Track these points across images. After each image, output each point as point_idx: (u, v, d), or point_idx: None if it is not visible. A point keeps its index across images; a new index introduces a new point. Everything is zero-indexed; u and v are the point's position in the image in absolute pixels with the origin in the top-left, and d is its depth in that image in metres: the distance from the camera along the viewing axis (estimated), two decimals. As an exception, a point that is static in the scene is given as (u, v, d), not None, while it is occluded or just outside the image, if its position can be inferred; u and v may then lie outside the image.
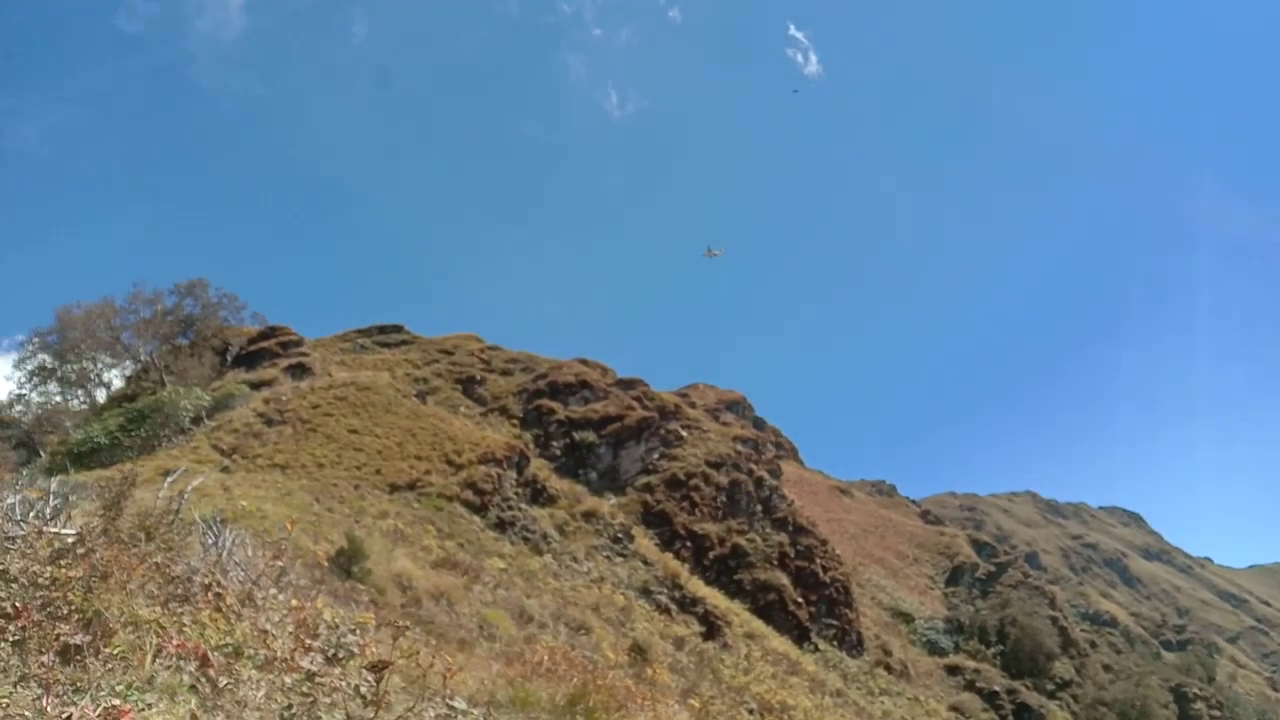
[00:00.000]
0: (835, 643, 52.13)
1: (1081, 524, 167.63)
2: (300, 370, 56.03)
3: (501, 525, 41.78)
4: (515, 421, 56.92)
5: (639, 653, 30.88)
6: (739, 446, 60.11)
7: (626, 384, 61.25)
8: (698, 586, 45.43)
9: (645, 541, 48.15)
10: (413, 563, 32.32)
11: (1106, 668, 79.63)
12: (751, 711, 31.49)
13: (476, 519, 41.30)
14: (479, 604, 31.81)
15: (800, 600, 51.32)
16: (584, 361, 64.33)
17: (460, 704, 6.76)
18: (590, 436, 55.14)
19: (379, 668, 4.58)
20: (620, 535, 46.02)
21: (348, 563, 26.08)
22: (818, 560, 55.59)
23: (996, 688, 61.87)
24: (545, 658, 10.71)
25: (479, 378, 62.38)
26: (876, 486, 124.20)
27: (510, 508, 43.16)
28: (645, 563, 45.14)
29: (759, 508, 56.05)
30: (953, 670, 63.31)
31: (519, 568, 38.17)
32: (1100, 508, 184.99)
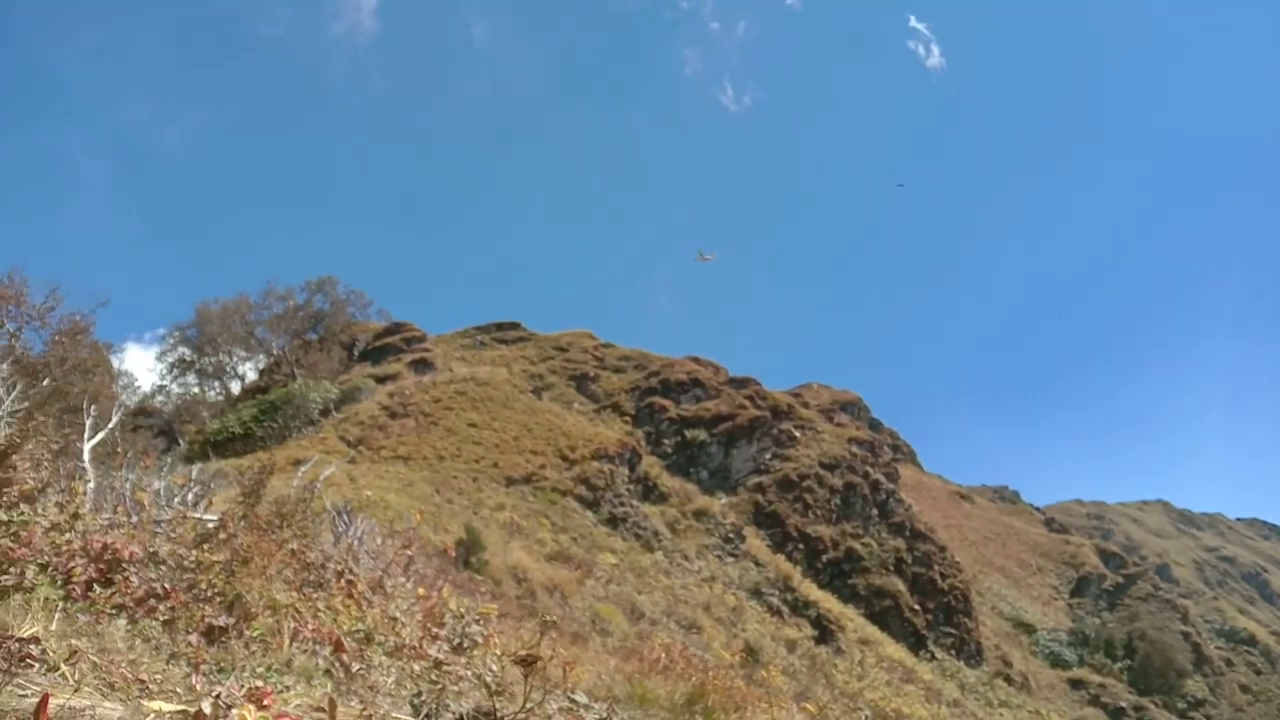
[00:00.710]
0: (953, 651, 50.69)
1: (1218, 536, 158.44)
2: (423, 365, 57.66)
3: (613, 521, 42.13)
4: (627, 418, 57.27)
5: (751, 654, 30.73)
6: (854, 448, 59.08)
7: (739, 383, 60.92)
8: (810, 590, 44.89)
9: (757, 542, 47.83)
10: (528, 555, 32.87)
11: (1244, 688, 75.16)
12: (866, 719, 30.94)
13: (589, 514, 41.76)
14: (592, 598, 32.14)
15: (917, 607, 50.13)
16: (696, 360, 64.28)
17: (581, 698, 6.82)
18: (702, 435, 55.06)
19: (529, 662, 4.63)
20: (731, 535, 45.82)
21: (466, 553, 26.73)
22: (936, 567, 54.21)
23: (1123, 704, 59.13)
24: (662, 655, 10.72)
25: (592, 374, 63.02)
26: (998, 493, 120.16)
27: (622, 504, 43.46)
28: (757, 564, 44.84)
29: (875, 511, 54.97)
30: (1076, 684, 60.75)
31: (630, 564, 38.43)
32: (1238, 519, 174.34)
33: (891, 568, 51.52)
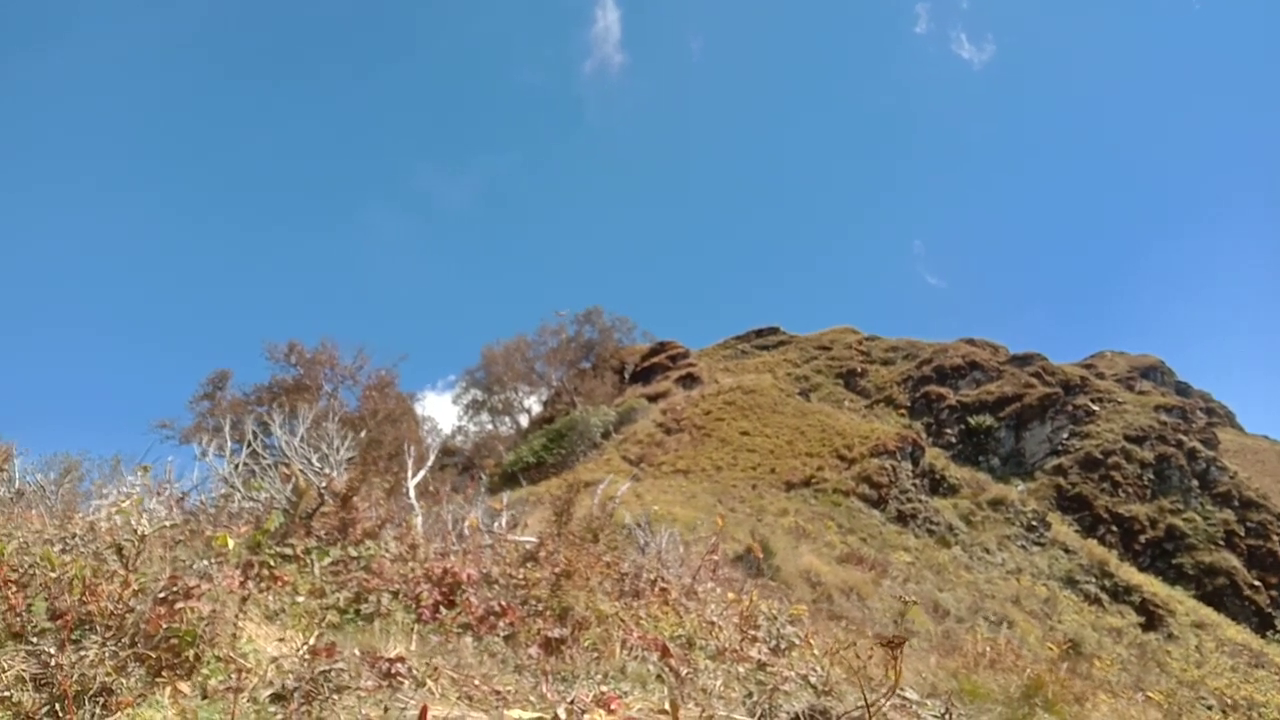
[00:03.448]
0: (1308, 630, 44.97)
1: None
2: (690, 380, 58.74)
3: (902, 518, 40.86)
4: (903, 411, 55.44)
5: (1072, 646, 28.76)
6: (1162, 416, 53.93)
7: (1021, 360, 57.35)
8: (1130, 574, 41.37)
9: (1063, 528, 44.75)
10: (818, 558, 32.53)
11: None
12: (1210, 708, 28.10)
13: (876, 513, 40.74)
14: (890, 598, 31.37)
15: (1257, 583, 44.85)
16: (971, 341, 61.18)
17: (912, 694, 6.60)
18: (987, 420, 52.27)
19: (895, 643, 4.53)
20: (1034, 523, 43.16)
21: (756, 560, 26.80)
22: (1275, 538, 48.36)
23: None
24: (988, 649, 10.22)
25: (860, 370, 61.63)
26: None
27: (909, 500, 42.08)
28: (1066, 551, 41.94)
29: (1194, 482, 49.82)
30: None
31: (926, 560, 37.14)
32: None
33: (1222, 542, 46.42)
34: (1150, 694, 9.77)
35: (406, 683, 4.93)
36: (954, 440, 52.00)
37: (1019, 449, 51.46)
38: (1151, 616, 37.41)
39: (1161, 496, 48.22)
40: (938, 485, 45.37)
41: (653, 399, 55.88)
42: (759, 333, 72.89)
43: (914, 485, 43.41)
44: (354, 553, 7.69)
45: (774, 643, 7.64)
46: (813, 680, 7.05)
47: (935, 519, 41.49)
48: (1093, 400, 53.82)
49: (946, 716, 6.76)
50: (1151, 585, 41.04)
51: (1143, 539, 45.99)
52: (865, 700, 6.39)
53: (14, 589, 4.40)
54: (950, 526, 41.58)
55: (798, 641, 7.72)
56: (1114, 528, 46.16)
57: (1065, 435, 51.31)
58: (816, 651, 7.87)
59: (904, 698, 6.43)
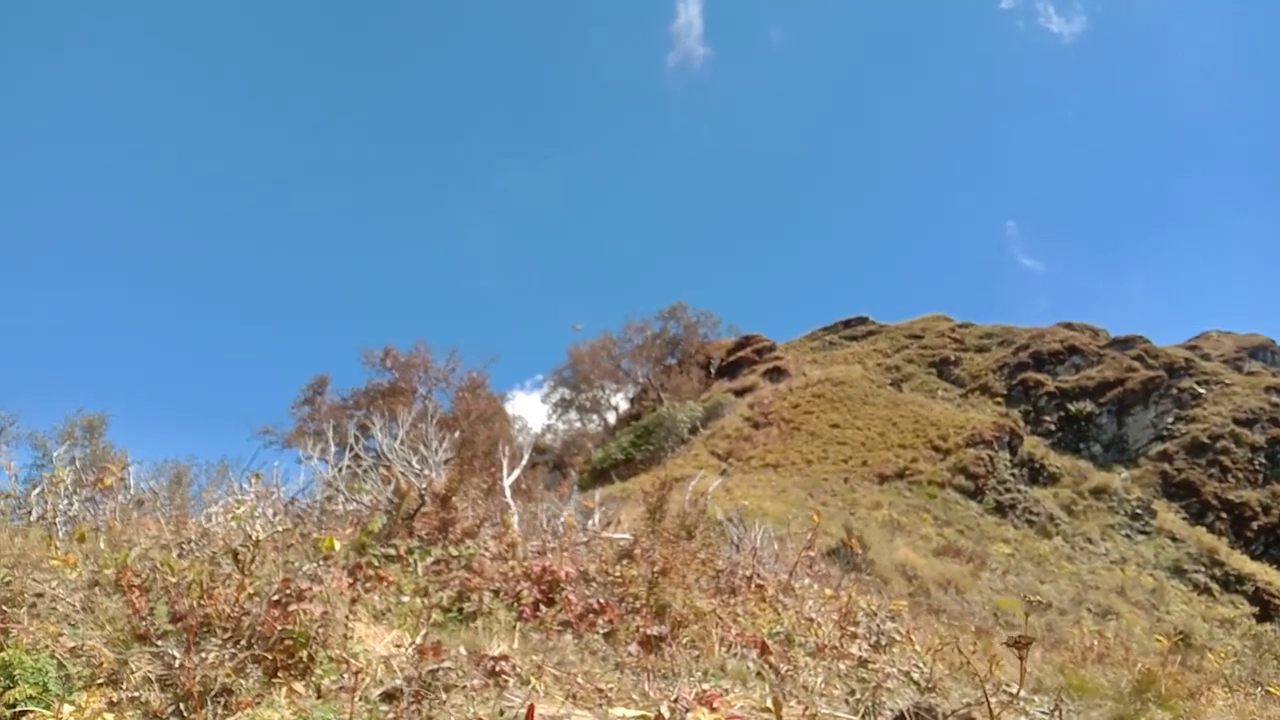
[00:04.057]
0: None
1: None
2: (777, 374, 58.33)
3: (1001, 509, 39.92)
4: (999, 399, 54.03)
5: (1182, 638, 27.72)
6: (1274, 398, 51.45)
7: (1122, 343, 55.34)
8: (1242, 562, 39.62)
9: (1169, 515, 43.10)
10: (913, 551, 32.01)
11: None
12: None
13: (973, 504, 39.90)
14: (989, 591, 30.66)
15: (1381, 572, 42.58)
16: (1068, 325, 59.24)
17: (1018, 690, 6.42)
18: (1087, 406, 50.58)
19: (1023, 644, 4.43)
20: (1139, 511, 41.67)
21: (850, 554, 26.47)
22: (1400, 524, 45.79)
23: None
24: (1094, 643, 9.90)
25: (953, 358, 60.29)
26: None
27: (1008, 490, 41.07)
28: (1173, 539, 40.39)
29: (1310, 467, 47.51)
30: None
31: (1026, 552, 36.25)
32: None
33: (1342, 529, 44.20)
34: (1270, 688, 9.30)
35: (511, 681, 4.99)
36: (1053, 428, 50.49)
37: (1121, 435, 49.69)
38: (1266, 607, 35.79)
39: (1275, 481, 46.02)
40: (1037, 474, 44.17)
41: (739, 393, 55.63)
42: (847, 323, 71.90)
43: (1012, 475, 42.36)
44: (455, 552, 7.83)
45: (874, 639, 7.53)
46: (916, 677, 6.93)
47: (1035, 509, 40.43)
48: (1199, 383, 51.69)
49: (1056, 713, 6.57)
50: (1266, 574, 39.21)
51: (1255, 526, 43.99)
52: (972, 698, 6.25)
53: (138, 593, 4.58)
54: (1051, 516, 40.47)
55: (898, 637, 7.59)
56: (1224, 515, 44.26)
57: (1170, 420, 49.37)
58: (918, 648, 7.74)
59: (1010, 694, 6.26)
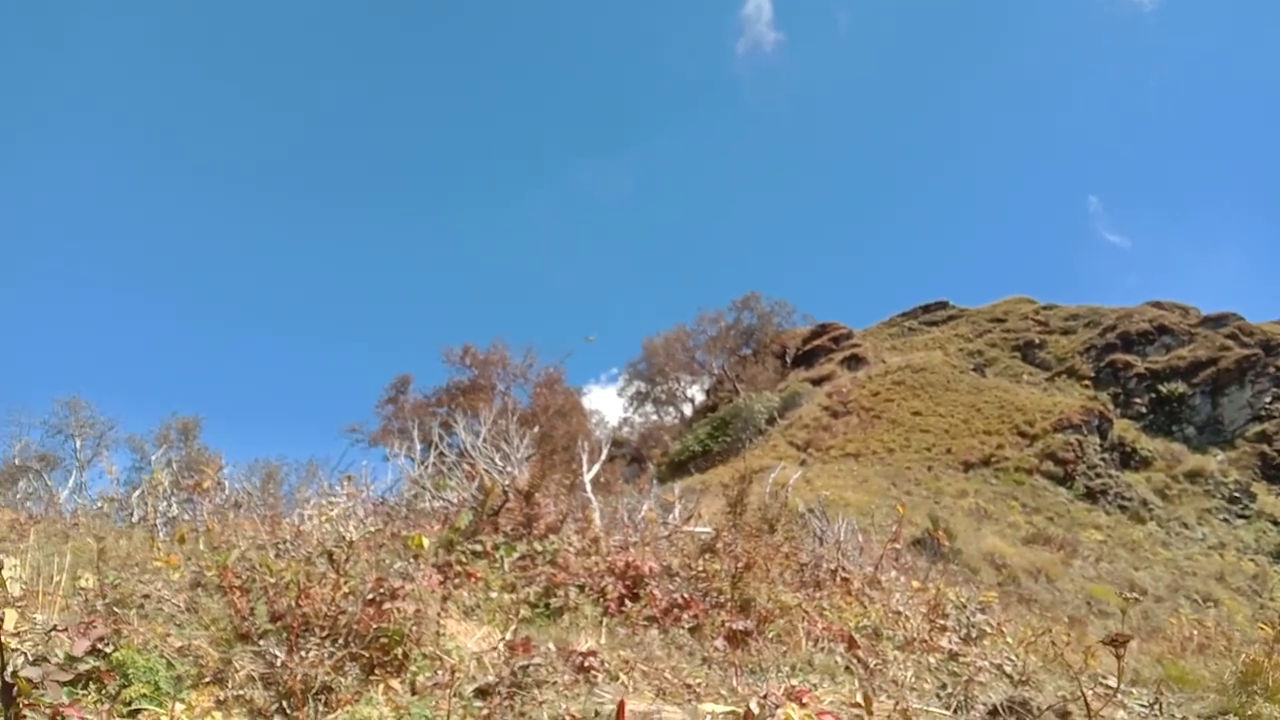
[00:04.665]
0: None
1: None
2: (854, 361, 57.64)
3: (1091, 494, 38.92)
4: (1086, 382, 52.54)
5: (1289, 627, 26.66)
6: (1380, 374, 49.13)
7: (1215, 321, 53.26)
8: (1351, 546, 38.01)
9: (1270, 499, 41.44)
10: (1001, 540, 31.43)
11: None
12: None
13: (1062, 490, 38.99)
14: (1081, 579, 29.96)
15: None
16: (1158, 304, 57.26)
17: (1114, 683, 6.24)
18: (1180, 387, 48.83)
19: (1120, 642, 4.33)
20: (1237, 494, 40.20)
21: (936, 544, 26.07)
22: None
23: None
24: (1194, 632, 9.57)
25: (1037, 341, 58.77)
26: None
27: (1098, 475, 39.99)
28: (1275, 523, 38.86)
29: None
30: None
31: (1119, 538, 35.33)
32: None
33: None
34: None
35: (600, 676, 5.04)
36: (1144, 410, 48.88)
37: (1216, 416, 47.83)
38: (1382, 593, 34.22)
39: (1384, 461, 43.94)
40: (1128, 458, 42.91)
41: (817, 382, 55.14)
42: (926, 308, 70.61)
43: (1102, 460, 41.22)
44: (539, 548, 7.91)
45: (964, 631, 7.40)
46: (1008, 670, 6.79)
47: (1127, 494, 39.32)
48: (1299, 360, 49.51)
49: (1156, 707, 6.38)
50: (1378, 559, 37.52)
51: (1363, 508, 42.04)
52: (1068, 691, 6.10)
53: (238, 594, 4.73)
54: (1144, 501, 39.31)
55: (989, 629, 7.45)
56: (1330, 497, 42.39)
57: (1268, 399, 47.33)
58: (1010, 640, 7.58)
59: (1108, 687, 6.09)
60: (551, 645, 5.32)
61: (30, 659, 3.64)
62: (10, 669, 2.75)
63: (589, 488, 10.89)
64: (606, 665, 5.23)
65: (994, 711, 5.50)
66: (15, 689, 2.56)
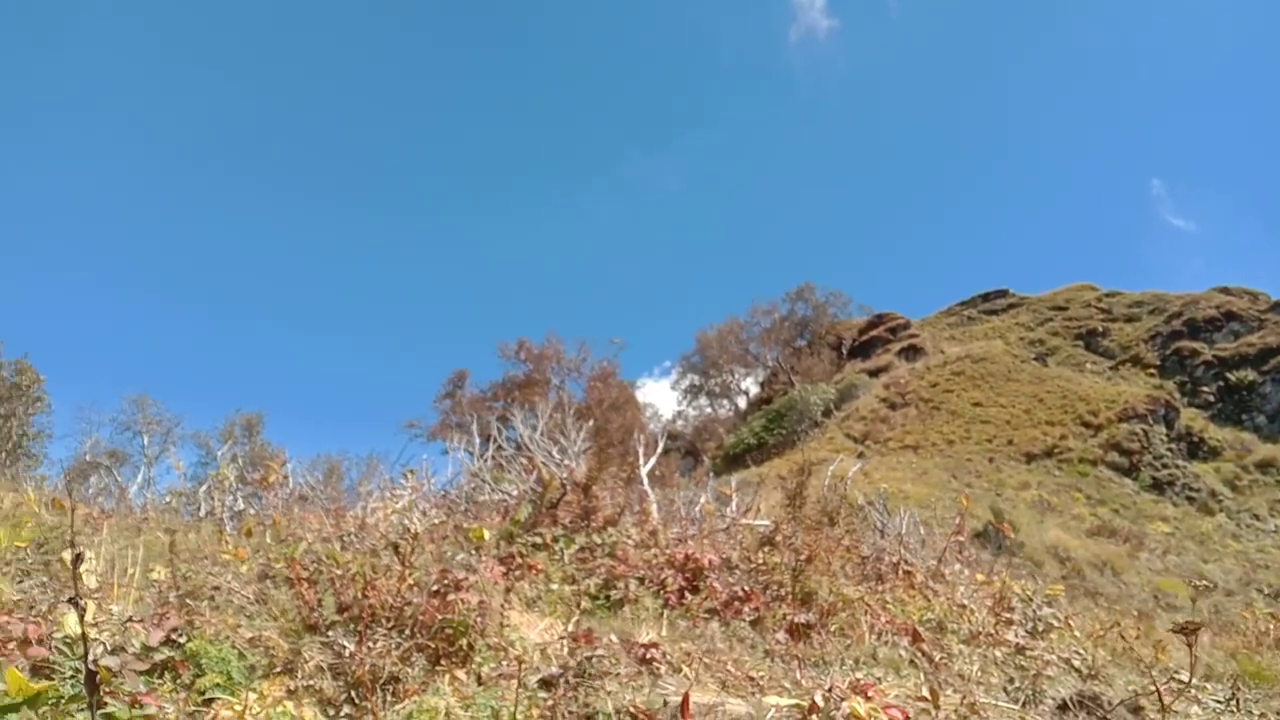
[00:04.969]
0: None
1: None
2: (912, 352, 56.97)
3: (1158, 486, 38.07)
4: (1151, 370, 51.30)
5: (1370, 622, 25.81)
6: None
7: (1286, 306, 51.76)
8: None
9: (1353, 489, 40.23)
10: (1065, 532, 30.92)
11: None
12: None
13: (1127, 481, 38.21)
14: (1148, 572, 29.38)
15: None
16: (1225, 290, 55.61)
17: (1189, 678, 6.08)
18: (1249, 375, 47.39)
19: (1191, 630, 4.23)
20: (1312, 485, 39.01)
21: (999, 536, 25.69)
22: None
23: None
24: (1270, 627, 9.30)
25: (1100, 329, 57.50)
26: None
27: (1164, 466, 39.10)
28: (1353, 514, 37.69)
29: None
30: None
31: (1187, 530, 34.55)
32: None
33: None
34: None
35: (663, 668, 5.03)
36: (1212, 399, 47.57)
37: (1289, 404, 46.44)
38: None
39: None
40: (1196, 448, 41.87)
41: (874, 373, 54.63)
42: (985, 296, 69.43)
43: (1169, 450, 40.27)
44: (598, 540, 7.93)
45: (1030, 625, 7.25)
46: (1077, 664, 6.66)
47: (1195, 485, 38.37)
48: (1377, 346, 47.82)
49: (1233, 702, 6.20)
50: None
51: None
52: (1139, 686, 5.96)
53: (306, 586, 4.81)
54: (1213, 492, 38.32)
55: (1056, 623, 7.29)
56: None
57: (1344, 387, 45.85)
58: (1077, 633, 7.43)
59: (1180, 681, 5.93)
60: (613, 637, 5.32)
61: (109, 648, 3.74)
62: (91, 658, 2.82)
63: (645, 481, 10.88)
64: (668, 657, 5.22)
65: (1063, 706, 5.39)
66: (97, 677, 2.62)
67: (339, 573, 5.00)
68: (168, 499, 13.81)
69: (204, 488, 13.41)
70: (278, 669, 4.10)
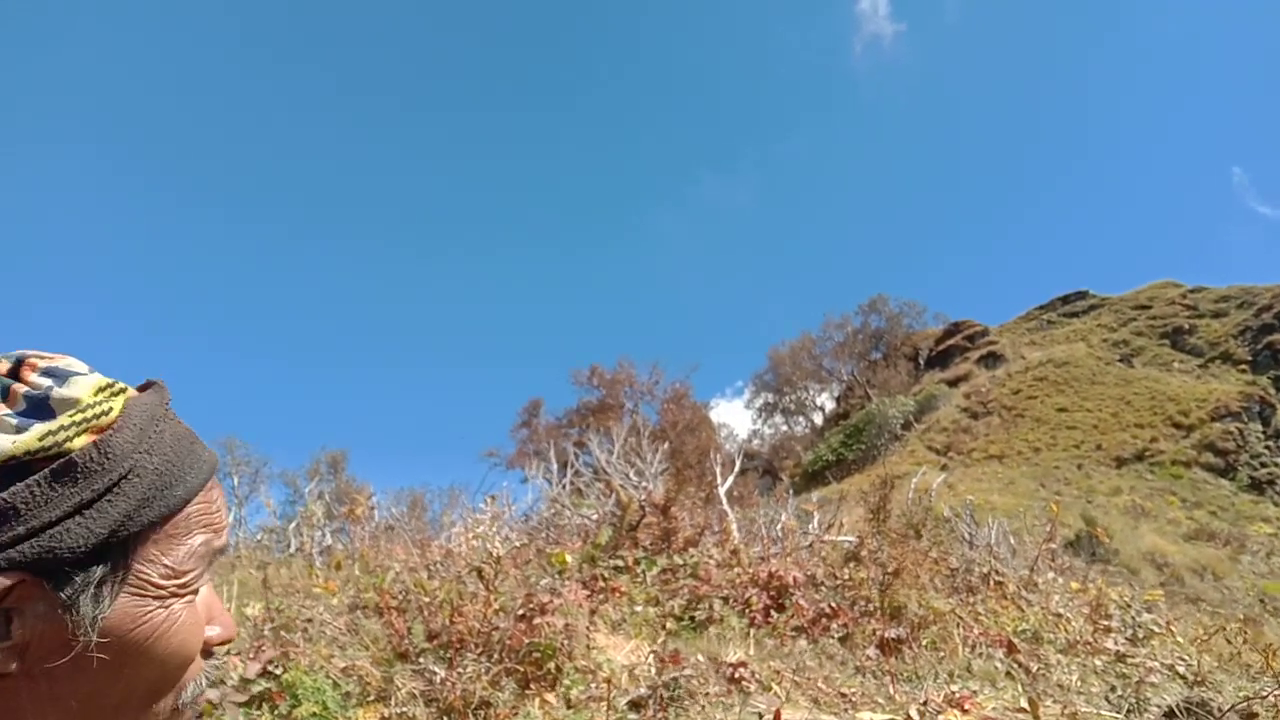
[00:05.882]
0: None
1: None
2: (992, 359, 55.81)
3: (1257, 485, 36.58)
4: (1243, 366, 49.34)
5: None
6: None
7: (1385, 293, 49.54)
8: None
9: None
10: (1161, 537, 29.92)
11: None
12: None
13: (1224, 482, 36.80)
14: (1251, 575, 28.25)
15: None
16: (1318, 279, 53.52)
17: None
18: (1350, 367, 45.53)
19: None
20: None
21: (1092, 544, 24.98)
22: None
23: None
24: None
25: (1186, 326, 55.58)
26: None
27: (1263, 464, 37.57)
28: None
29: None
30: None
31: (1296, 531, 33.09)
32: None
33: None
34: None
35: (752, 687, 4.98)
36: (1312, 393, 45.66)
37: (1395, 396, 44.32)
38: None
39: None
40: (1296, 446, 40.18)
41: (953, 383, 53.60)
42: (1065, 299, 67.65)
43: (1267, 448, 38.69)
44: (680, 561, 7.91)
45: (1130, 632, 7.01)
46: (1181, 671, 6.41)
47: (1297, 484, 36.79)
48: None
49: (1356, 709, 5.91)
50: None
51: None
52: (1250, 691, 5.71)
53: (395, 614, 4.88)
54: (1318, 491, 36.70)
55: (1157, 629, 7.03)
56: None
57: None
58: (1180, 639, 7.16)
59: (1303, 689, 5.67)
60: (700, 657, 5.30)
61: (209, 681, 3.85)
62: (192, 691, 2.90)
63: (724, 500, 10.83)
64: (757, 676, 5.18)
65: (1170, 713, 5.19)
66: (200, 711, 2.70)
67: (426, 600, 5.07)
68: (259, 536, 14.17)
69: (293, 524, 13.74)
70: (371, 697, 4.16)
